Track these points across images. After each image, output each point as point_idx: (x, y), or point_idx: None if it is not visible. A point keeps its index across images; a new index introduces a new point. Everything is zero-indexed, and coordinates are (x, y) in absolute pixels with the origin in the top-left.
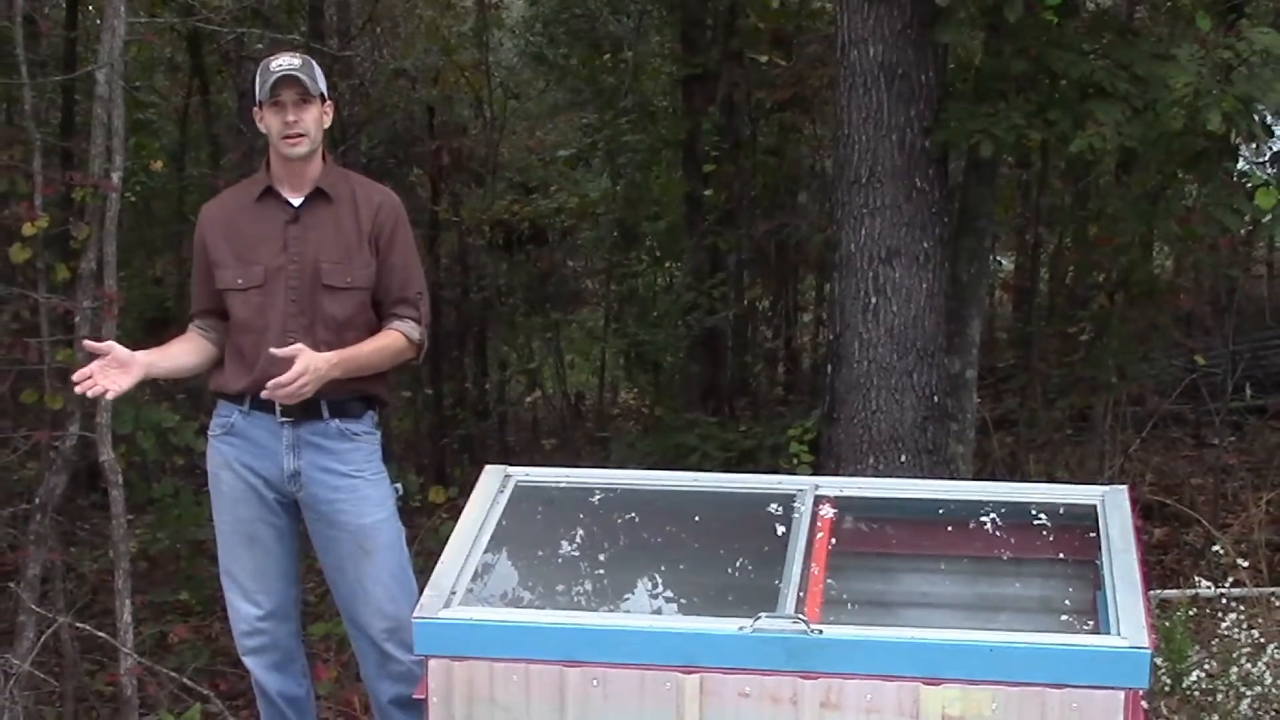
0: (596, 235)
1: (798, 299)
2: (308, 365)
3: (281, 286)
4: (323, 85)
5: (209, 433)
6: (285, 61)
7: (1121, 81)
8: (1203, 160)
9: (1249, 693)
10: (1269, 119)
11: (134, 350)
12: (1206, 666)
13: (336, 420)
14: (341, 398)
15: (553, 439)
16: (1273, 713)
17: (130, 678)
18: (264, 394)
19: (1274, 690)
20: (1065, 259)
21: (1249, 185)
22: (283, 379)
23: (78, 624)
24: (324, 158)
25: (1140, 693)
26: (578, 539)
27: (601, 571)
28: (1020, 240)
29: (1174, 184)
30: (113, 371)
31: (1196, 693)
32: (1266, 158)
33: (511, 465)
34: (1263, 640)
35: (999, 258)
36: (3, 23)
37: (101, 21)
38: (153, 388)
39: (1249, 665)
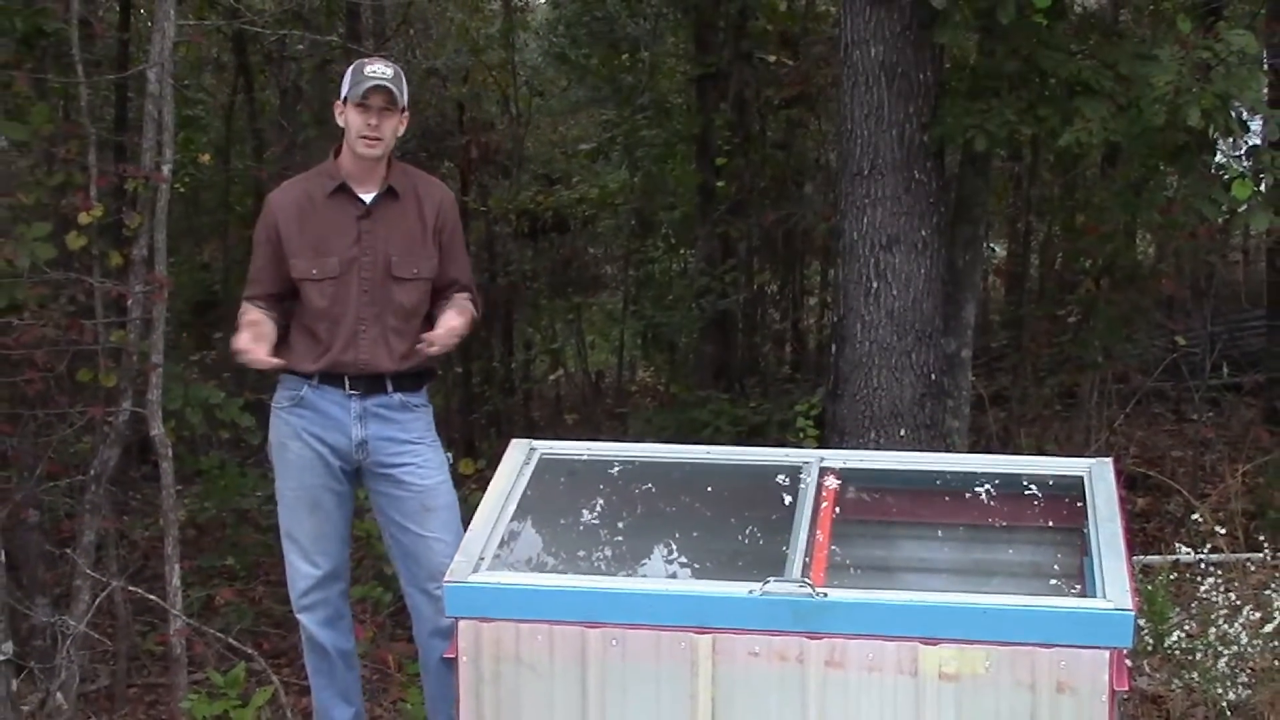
0: (615, 224)
1: (804, 284)
2: (455, 327)
3: (355, 278)
4: (405, 99)
5: (275, 405)
6: (380, 69)
7: (1107, 80)
8: (1183, 154)
9: (1226, 652)
10: (1244, 115)
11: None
12: (1186, 627)
13: (399, 393)
14: (402, 372)
15: (574, 414)
16: (1248, 670)
17: (179, 638)
18: (422, 348)
19: (1249, 649)
20: (1054, 246)
21: (1226, 177)
22: (436, 336)
23: (130, 588)
24: (390, 158)
25: (1124, 652)
26: (598, 508)
27: (620, 538)
28: (1012, 228)
29: (1156, 176)
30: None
31: (1177, 652)
32: (1242, 151)
33: (536, 439)
34: (1239, 603)
35: (992, 245)
36: (60, 25)
37: (152, 23)
38: (200, 367)
39: (1226, 626)
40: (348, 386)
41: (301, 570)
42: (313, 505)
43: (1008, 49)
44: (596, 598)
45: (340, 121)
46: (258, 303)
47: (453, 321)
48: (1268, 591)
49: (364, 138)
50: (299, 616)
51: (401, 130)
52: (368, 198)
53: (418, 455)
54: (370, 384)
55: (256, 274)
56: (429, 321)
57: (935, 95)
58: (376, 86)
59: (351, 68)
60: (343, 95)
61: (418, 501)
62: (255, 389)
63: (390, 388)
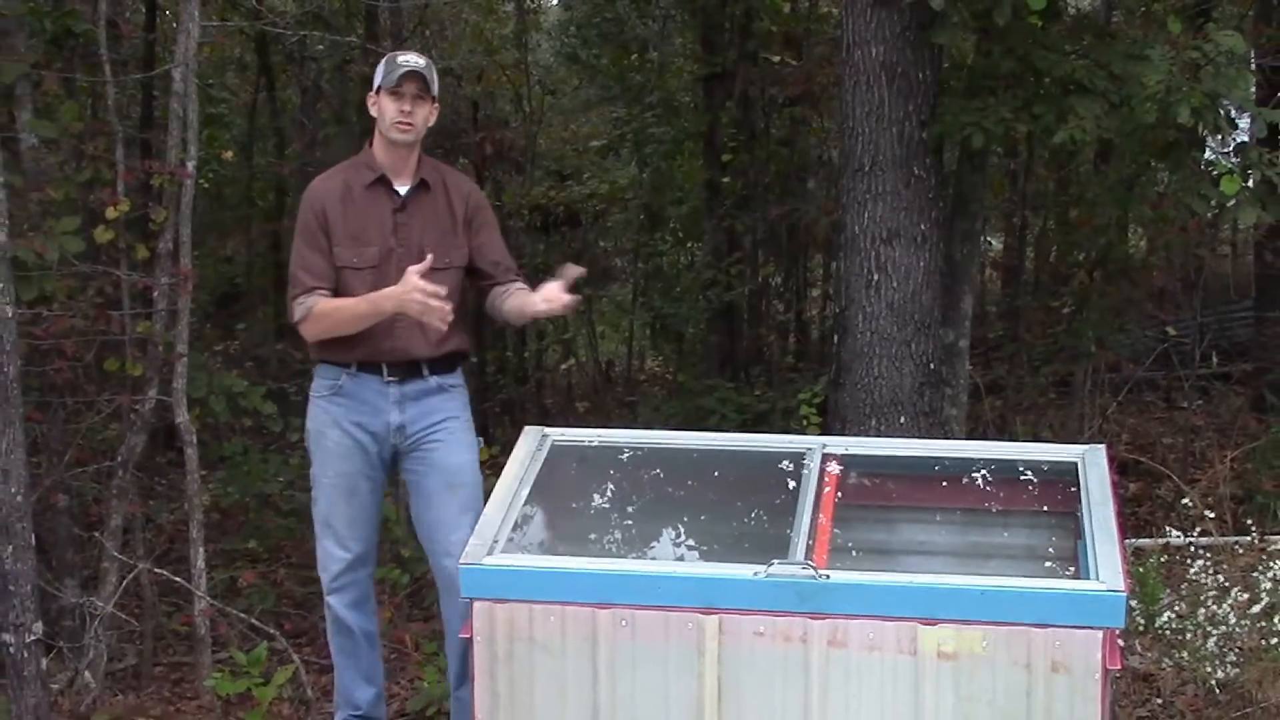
0: (625, 218)
1: (807, 276)
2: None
3: (393, 267)
4: (436, 89)
5: (313, 394)
6: (412, 59)
7: (1100, 79)
8: (1173, 150)
9: (1215, 632)
10: (1233, 113)
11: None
12: (1176, 608)
13: (435, 376)
14: (438, 355)
15: (585, 402)
16: (1237, 650)
17: (203, 619)
18: (546, 309)
19: (1238, 629)
20: (1049, 240)
21: (1215, 173)
22: (545, 298)
23: (156, 570)
24: (420, 152)
25: (1116, 632)
26: (608, 493)
27: (630, 522)
28: (1008, 223)
29: (1147, 172)
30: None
31: (1167, 632)
32: (1230, 148)
33: (548, 426)
34: (1227, 584)
35: (989, 239)
36: (88, 26)
37: (177, 25)
38: (223, 356)
39: (1215, 607)
40: (385, 374)
41: (335, 554)
42: (349, 492)
43: (1004, 49)
44: (607, 580)
45: (373, 111)
46: (322, 292)
47: (551, 287)
48: (1255, 573)
49: (398, 123)
50: (329, 598)
51: (432, 120)
52: (402, 190)
53: (450, 433)
54: (407, 370)
55: (311, 264)
56: (466, 312)
57: (934, 94)
58: (409, 73)
59: (384, 59)
60: (376, 85)
61: (442, 479)
62: (277, 378)
63: (426, 372)
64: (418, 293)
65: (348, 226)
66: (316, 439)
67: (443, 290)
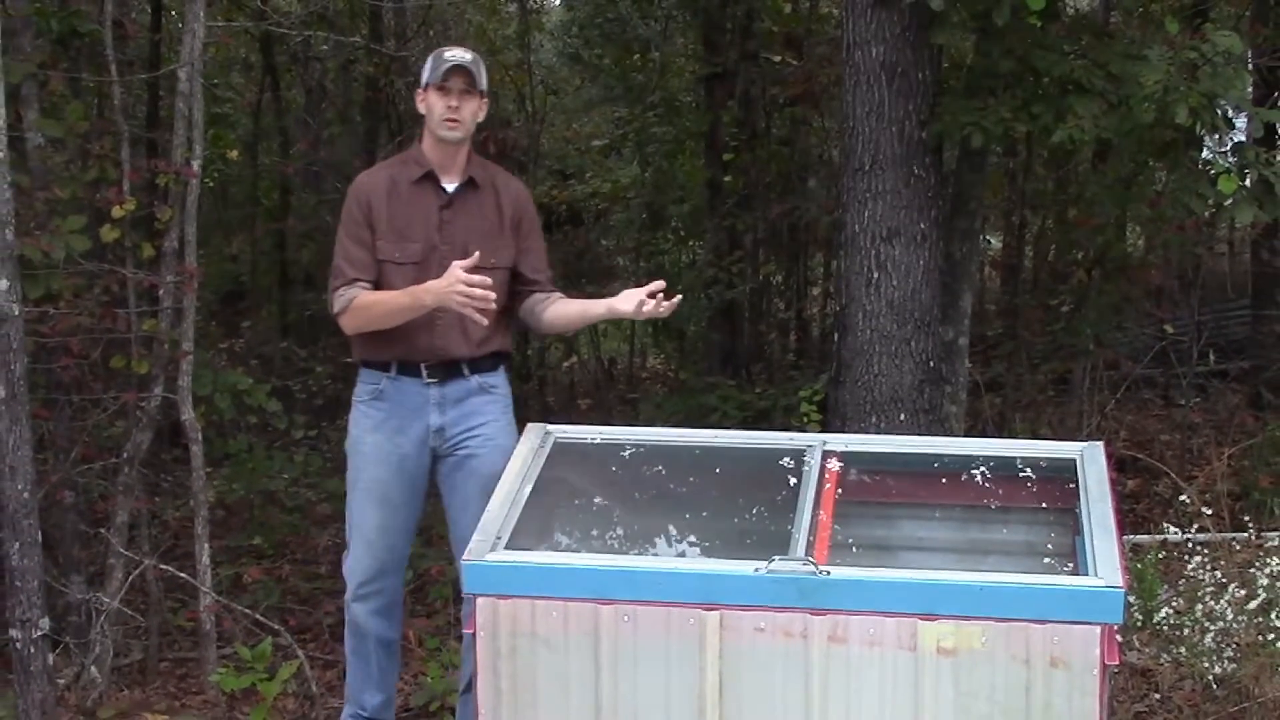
0: (627, 217)
1: (808, 274)
2: (615, 307)
3: (435, 264)
4: (484, 84)
5: (355, 398)
6: (459, 54)
7: (1098, 79)
8: (1171, 150)
9: (1212, 628)
10: (1230, 113)
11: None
12: (1174, 604)
13: (476, 377)
14: (479, 355)
15: (588, 400)
16: (1234, 645)
17: (209, 614)
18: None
19: (1235, 625)
20: (1047, 238)
21: (1212, 172)
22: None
23: (162, 566)
24: (470, 150)
25: (1115, 627)
26: (610, 490)
27: (631, 518)
28: (1007, 221)
29: (1145, 171)
30: None
31: (1165, 627)
32: (1228, 148)
33: (551, 423)
34: (1224, 580)
35: (988, 237)
36: (94, 26)
37: (183, 25)
38: (229, 354)
39: (1212, 603)
40: (425, 375)
41: (363, 563)
42: (381, 500)
43: (1003, 49)
44: (609, 576)
45: (421, 108)
46: (363, 284)
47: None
48: (1252, 569)
49: (446, 120)
50: (350, 605)
51: (481, 115)
52: (450, 187)
53: (489, 440)
54: (447, 370)
55: (353, 255)
56: (510, 316)
57: (934, 94)
58: (456, 67)
59: (431, 55)
60: (423, 82)
61: (479, 486)
62: (281, 375)
63: (467, 372)
64: (461, 284)
65: (392, 221)
66: (354, 444)
67: (488, 281)
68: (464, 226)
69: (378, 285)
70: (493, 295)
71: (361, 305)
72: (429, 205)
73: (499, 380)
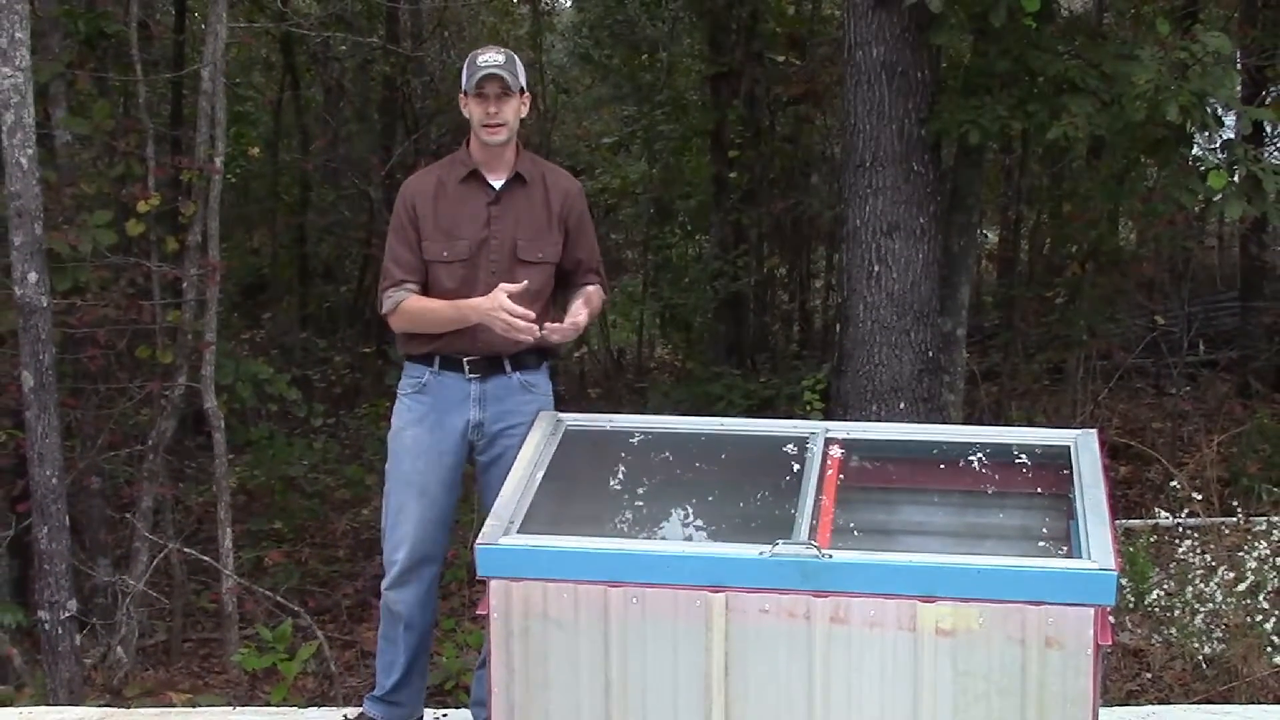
0: (636, 212)
1: (810, 267)
2: (579, 323)
3: (484, 260)
4: (523, 80)
5: (399, 391)
6: (491, 58)
7: (1092, 78)
8: (1162, 147)
9: (1202, 609)
10: (1219, 111)
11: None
12: (1165, 586)
13: (518, 373)
14: (522, 352)
15: (598, 389)
16: (1223, 626)
17: (231, 596)
18: (544, 335)
19: (1224, 607)
20: (1043, 232)
21: (1202, 168)
22: (558, 328)
23: (185, 549)
24: (518, 146)
25: (1107, 609)
26: (619, 476)
27: (640, 503)
28: (1004, 216)
29: (1137, 167)
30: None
31: (1157, 609)
32: (1217, 144)
33: (562, 412)
34: (1214, 563)
35: (985, 231)
36: (120, 27)
37: (206, 26)
38: (250, 344)
39: (1202, 585)
40: (467, 370)
41: (401, 552)
42: (420, 491)
43: (1000, 50)
44: (618, 559)
45: (465, 113)
46: (409, 286)
47: (578, 317)
48: (1240, 553)
49: (486, 126)
50: (386, 593)
51: (524, 112)
52: (497, 184)
53: (523, 438)
54: (489, 366)
55: (400, 257)
56: (552, 305)
57: (932, 93)
58: (489, 75)
59: (467, 61)
60: (463, 88)
61: None
62: (301, 365)
63: (509, 368)
64: (504, 312)
65: (439, 221)
66: (396, 435)
67: (531, 314)
68: (512, 221)
69: (426, 284)
70: (536, 329)
71: (408, 311)
72: (477, 203)
73: (540, 379)
